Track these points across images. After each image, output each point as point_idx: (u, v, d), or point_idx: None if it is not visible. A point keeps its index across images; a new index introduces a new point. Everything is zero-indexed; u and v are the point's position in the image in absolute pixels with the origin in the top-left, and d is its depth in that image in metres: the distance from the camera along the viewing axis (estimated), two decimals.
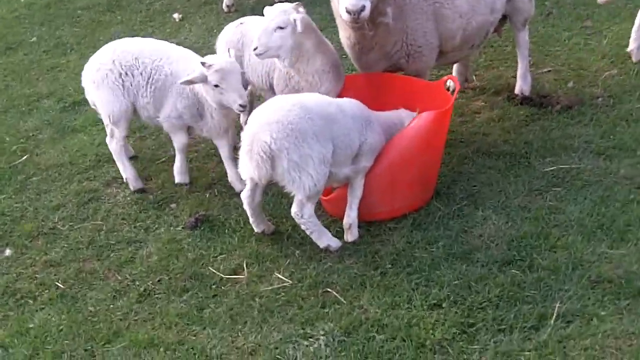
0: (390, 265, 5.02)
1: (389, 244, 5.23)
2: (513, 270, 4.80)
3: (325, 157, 5.01)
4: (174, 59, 5.97)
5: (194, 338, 4.64)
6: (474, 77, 7.39)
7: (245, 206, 5.32)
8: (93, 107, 6.29)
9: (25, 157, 6.99)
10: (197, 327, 4.72)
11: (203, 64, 5.51)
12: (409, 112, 5.62)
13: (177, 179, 6.22)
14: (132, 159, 6.60)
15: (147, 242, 5.59)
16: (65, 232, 5.82)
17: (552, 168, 5.80)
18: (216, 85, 5.49)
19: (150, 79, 5.95)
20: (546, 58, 7.56)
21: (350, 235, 5.32)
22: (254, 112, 5.22)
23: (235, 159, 5.62)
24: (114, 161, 6.45)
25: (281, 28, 5.39)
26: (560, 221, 5.20)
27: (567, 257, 4.85)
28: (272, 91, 5.98)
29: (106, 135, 6.30)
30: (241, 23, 6.09)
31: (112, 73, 5.93)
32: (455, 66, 7.17)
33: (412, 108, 5.66)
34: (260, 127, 4.95)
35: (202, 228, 5.66)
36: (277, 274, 5.06)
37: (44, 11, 11.07)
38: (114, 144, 6.19)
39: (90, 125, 7.40)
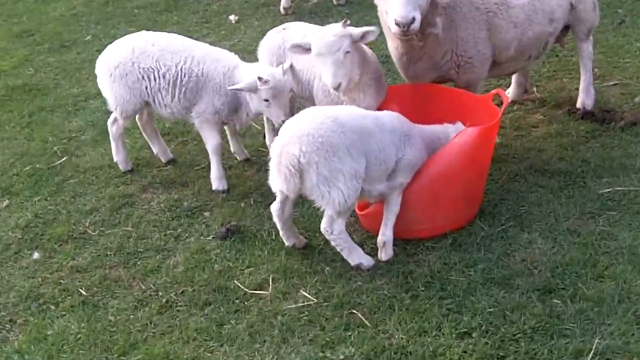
0: (423, 288, 4.90)
1: (424, 265, 5.11)
2: (554, 300, 4.63)
3: (357, 172, 4.93)
4: (199, 58, 6.09)
5: (209, 355, 4.61)
6: (535, 89, 7.20)
7: (275, 219, 5.28)
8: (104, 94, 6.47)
9: (64, 158, 7.10)
10: (215, 343, 4.69)
11: (260, 78, 5.66)
12: (455, 126, 5.48)
13: (214, 186, 6.25)
14: (170, 162, 6.74)
15: (176, 251, 5.60)
16: (95, 238, 5.87)
17: (608, 190, 5.60)
18: (266, 100, 5.71)
19: (179, 82, 6.08)
20: (614, 70, 7.32)
21: (384, 254, 5.22)
22: (286, 123, 5.18)
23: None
24: (152, 165, 6.67)
25: (348, 52, 5.36)
26: (610, 248, 5.00)
27: (613, 287, 4.65)
28: (312, 100, 5.94)
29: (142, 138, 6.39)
30: (284, 29, 6.08)
31: (131, 75, 6.13)
32: (514, 76, 7.02)
33: (458, 121, 5.53)
34: (290, 139, 4.91)
35: (232, 239, 5.64)
36: (302, 292, 5.00)
37: (101, 9, 11.29)
38: (115, 129, 6.51)
39: (134, 128, 7.43)
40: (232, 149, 6.67)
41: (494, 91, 5.65)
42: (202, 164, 6.74)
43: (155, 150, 6.83)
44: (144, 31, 6.57)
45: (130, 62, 6.11)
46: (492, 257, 5.09)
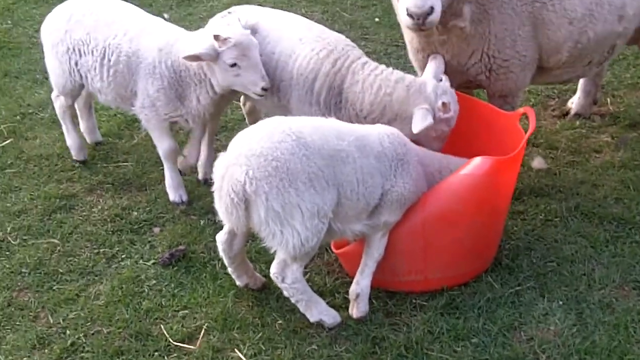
0: None
1: (402, 331, 4.63)
2: None
3: (320, 209, 4.38)
4: (133, 33, 5.64)
5: None
6: (609, 100, 6.52)
7: (221, 253, 4.85)
8: None
9: (9, 140, 6.79)
10: None
11: (216, 37, 5.11)
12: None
13: (170, 196, 5.83)
14: (98, 144, 6.65)
15: (103, 277, 5.23)
16: (14, 248, 5.54)
17: None
18: (233, 65, 5.14)
19: (106, 61, 5.69)
20: None
21: (356, 310, 4.73)
22: (237, 136, 4.64)
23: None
24: (110, 159, 6.43)
25: None
26: None
27: None
28: (282, 106, 5.43)
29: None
30: (229, 12, 5.51)
31: (62, 44, 5.84)
32: (580, 83, 6.38)
33: (472, 140, 4.99)
34: (237, 159, 4.38)
35: (176, 267, 5.25)
36: (237, 352, 4.54)
37: None
38: (58, 105, 6.28)
39: (103, 109, 7.16)
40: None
41: (522, 109, 5.02)
42: None
43: (82, 127, 6.58)
44: None
45: (63, 30, 5.81)
46: (493, 330, 4.55)
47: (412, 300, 4.81)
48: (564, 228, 5.28)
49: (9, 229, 5.73)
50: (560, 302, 4.69)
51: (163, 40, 5.53)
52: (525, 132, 4.80)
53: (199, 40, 5.24)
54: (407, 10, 4.71)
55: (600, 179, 5.71)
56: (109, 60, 5.63)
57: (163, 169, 6.21)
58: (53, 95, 6.26)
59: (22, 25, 9.13)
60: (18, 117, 7.17)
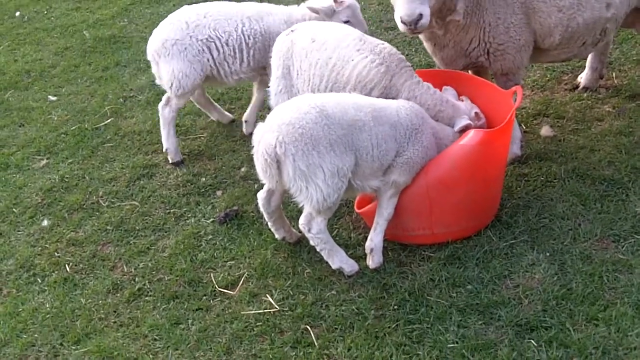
0: (395, 307, 4.32)
1: (409, 278, 4.51)
2: (530, 341, 3.92)
3: (340, 169, 4.34)
4: (255, 17, 5.80)
5: (151, 357, 4.27)
6: (614, 74, 6.19)
7: (261, 208, 4.83)
8: (158, 80, 6.05)
9: (110, 119, 6.91)
10: (160, 344, 4.36)
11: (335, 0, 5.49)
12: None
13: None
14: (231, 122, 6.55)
15: (171, 233, 5.28)
16: (103, 209, 5.65)
17: None
18: (346, 22, 5.46)
19: (245, 45, 5.75)
20: None
21: (372, 262, 4.64)
22: (274, 109, 4.65)
23: None
24: (190, 133, 6.46)
25: None
26: (619, 284, 4.18)
27: (603, 335, 3.86)
28: None
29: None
30: (292, 31, 5.41)
31: (191, 48, 5.74)
32: (588, 59, 6.06)
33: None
34: (270, 127, 4.39)
35: (229, 225, 5.23)
36: (269, 297, 4.51)
37: None
38: (167, 111, 5.99)
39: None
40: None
41: (514, 87, 4.79)
42: (237, 135, 6.34)
43: (214, 117, 6.54)
44: (185, 6, 6.07)
45: (187, 37, 5.73)
46: (486, 278, 4.39)
47: (420, 252, 4.69)
48: (561, 188, 5.03)
49: (100, 192, 5.85)
50: (547, 254, 4.48)
51: (283, 14, 5.82)
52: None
53: (306, 12, 5.69)
54: (400, 19, 4.59)
55: (598, 144, 5.41)
56: (247, 44, 5.72)
57: (231, 141, 6.25)
58: (161, 105, 6.02)
59: (135, 22, 9.23)
60: (121, 100, 7.28)
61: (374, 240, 4.63)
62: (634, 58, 6.43)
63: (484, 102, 4.88)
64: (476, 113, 4.83)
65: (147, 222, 5.43)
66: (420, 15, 4.53)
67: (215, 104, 6.56)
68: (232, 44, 5.75)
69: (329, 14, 5.53)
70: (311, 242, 4.60)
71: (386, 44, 4.90)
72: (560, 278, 4.29)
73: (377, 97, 4.75)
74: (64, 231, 5.47)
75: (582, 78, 6.13)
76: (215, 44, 5.75)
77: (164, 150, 6.04)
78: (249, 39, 5.75)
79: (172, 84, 5.83)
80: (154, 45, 5.90)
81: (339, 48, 4.85)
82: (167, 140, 6.02)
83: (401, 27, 4.62)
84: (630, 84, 6.08)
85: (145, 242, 5.22)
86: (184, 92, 5.84)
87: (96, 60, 8.27)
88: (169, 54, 5.78)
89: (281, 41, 5.14)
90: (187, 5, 6.01)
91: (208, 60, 5.77)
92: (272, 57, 5.20)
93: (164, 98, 6.02)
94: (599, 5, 5.00)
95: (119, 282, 4.91)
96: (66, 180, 6.08)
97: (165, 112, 5.99)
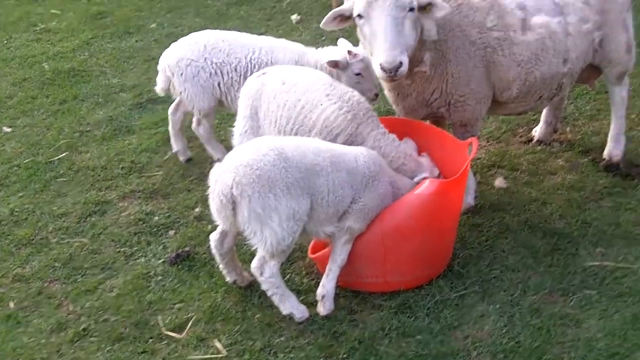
0: (345, 356, 4.27)
1: (359, 327, 4.45)
2: None
3: (296, 213, 4.31)
4: (266, 48, 5.87)
5: None
6: (568, 129, 6.27)
7: (213, 250, 4.76)
8: (178, 95, 6.15)
9: (65, 153, 6.80)
10: None
11: (349, 52, 5.47)
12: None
13: None
14: (189, 161, 6.49)
15: (119, 272, 5.18)
16: (52, 245, 5.53)
17: (595, 263, 4.74)
18: (358, 74, 5.50)
19: (249, 73, 5.71)
20: None
21: (323, 309, 4.59)
22: (232, 150, 4.62)
23: None
24: (145, 170, 6.36)
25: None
26: (567, 338, 4.20)
27: None
28: None
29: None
30: (263, 73, 5.40)
31: (204, 71, 5.86)
32: (543, 113, 6.14)
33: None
34: (228, 167, 4.35)
35: (180, 266, 5.14)
36: (217, 342, 4.43)
37: None
38: (202, 130, 6.17)
39: (147, 129, 7.12)
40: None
41: (470, 139, 4.82)
42: (193, 174, 6.27)
43: (176, 147, 6.46)
44: (207, 30, 6.24)
45: (202, 58, 5.85)
46: (435, 329, 4.36)
47: (372, 300, 4.65)
48: (512, 240, 5.05)
49: (50, 228, 5.73)
50: (497, 306, 4.48)
51: (295, 53, 5.81)
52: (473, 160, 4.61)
53: (335, 52, 5.59)
54: (380, 65, 4.59)
55: (550, 197, 5.45)
56: (252, 73, 5.66)
57: (187, 181, 6.19)
58: (194, 126, 6.20)
59: (96, 56, 9.15)
60: (77, 134, 7.18)
61: (326, 286, 4.59)
62: (588, 113, 6.53)
63: (440, 151, 4.90)
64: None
65: (96, 260, 5.32)
66: (400, 63, 4.55)
67: (184, 137, 6.49)
68: (239, 70, 5.83)
69: (343, 66, 5.51)
70: (262, 287, 4.53)
71: (355, 92, 4.94)
72: (509, 331, 4.27)
73: (342, 143, 4.74)
74: (11, 266, 5.33)
75: (537, 131, 6.20)
76: (227, 69, 5.85)
77: (215, 160, 5.97)
78: (255, 68, 5.77)
79: (193, 106, 6.03)
80: (168, 60, 6.02)
81: (309, 91, 4.86)
82: (215, 151, 6.21)
83: (379, 73, 4.62)
84: (584, 139, 6.16)
85: (93, 281, 5.11)
86: (205, 113, 6.03)
87: (54, 93, 8.16)
88: (182, 74, 5.91)
89: (251, 82, 5.15)
90: (210, 30, 6.20)
91: (219, 84, 5.88)
92: (241, 98, 5.20)
93: (195, 119, 6.18)
94: (557, 61, 5.07)
95: (64, 321, 4.78)
96: (16, 213, 5.95)
97: (200, 131, 6.18)
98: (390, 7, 4.54)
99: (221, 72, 5.84)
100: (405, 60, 4.60)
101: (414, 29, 4.68)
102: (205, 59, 5.85)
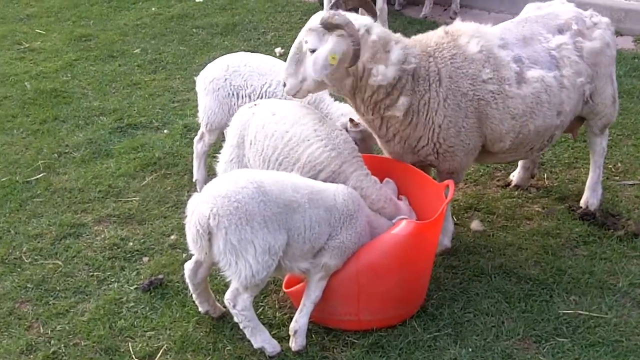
0: None
1: None
2: None
3: (272, 247, 4.30)
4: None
5: None
6: (545, 175, 6.34)
7: (187, 279, 4.73)
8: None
9: (42, 174, 6.75)
10: None
11: (351, 120, 5.45)
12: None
13: None
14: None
15: (92, 297, 5.13)
16: (25, 266, 5.47)
17: (569, 311, 4.77)
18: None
19: None
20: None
21: (295, 344, 4.58)
22: (212, 181, 4.62)
23: None
24: (122, 195, 6.32)
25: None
26: None
27: None
28: None
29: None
30: (255, 104, 5.41)
31: (223, 90, 5.99)
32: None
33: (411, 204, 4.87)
34: (206, 197, 4.34)
35: (152, 293, 5.11)
36: None
37: (164, 24, 10.96)
38: (200, 146, 6.25)
39: (126, 153, 7.07)
40: None
41: (446, 181, 4.86)
42: (170, 201, 6.24)
43: (196, 176, 6.42)
44: (241, 52, 6.44)
45: (223, 78, 5.98)
46: None
47: (345, 337, 4.64)
48: (487, 284, 5.07)
49: (24, 248, 5.68)
50: (470, 349, 4.49)
51: (312, 96, 5.63)
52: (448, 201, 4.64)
53: (333, 112, 5.65)
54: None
55: (525, 243, 5.49)
56: None
57: (165, 208, 6.16)
58: (196, 139, 6.29)
59: (79, 78, 9.10)
60: (55, 155, 7.12)
61: (299, 322, 4.57)
62: (566, 161, 6.61)
63: (417, 191, 4.93)
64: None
65: (68, 283, 5.28)
66: (284, 84, 4.87)
67: (205, 167, 6.43)
68: (253, 98, 5.87)
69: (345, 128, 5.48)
70: (235, 319, 4.51)
71: (343, 131, 5.01)
72: None
73: (324, 180, 4.76)
74: None
75: (514, 176, 6.26)
76: (242, 93, 5.93)
77: (193, 180, 6.29)
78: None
79: (203, 118, 6.09)
80: (201, 79, 6.16)
81: (297, 125, 4.91)
82: (197, 171, 6.28)
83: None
84: (561, 186, 6.23)
85: (64, 304, 5.06)
86: (211, 128, 6.07)
87: (35, 113, 8.11)
88: (205, 89, 6.07)
89: (242, 112, 5.21)
90: (244, 53, 6.36)
91: (234, 105, 5.93)
92: (230, 127, 5.25)
93: (199, 133, 6.24)
94: (551, 114, 5.10)
95: (33, 343, 4.74)
96: None
97: (198, 146, 6.25)
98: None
99: (237, 94, 5.95)
100: (292, 83, 4.87)
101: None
102: (225, 80, 5.99)
